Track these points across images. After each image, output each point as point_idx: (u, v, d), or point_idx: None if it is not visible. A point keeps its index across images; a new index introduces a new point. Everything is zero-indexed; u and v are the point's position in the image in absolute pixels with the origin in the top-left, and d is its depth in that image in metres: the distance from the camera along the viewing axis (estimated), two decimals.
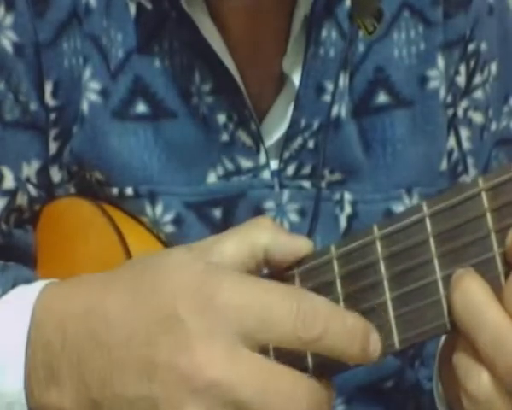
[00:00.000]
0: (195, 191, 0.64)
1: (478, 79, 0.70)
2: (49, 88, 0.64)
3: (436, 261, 0.43)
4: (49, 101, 0.65)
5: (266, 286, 0.43)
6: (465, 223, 0.42)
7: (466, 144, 0.71)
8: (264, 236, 0.47)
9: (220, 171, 0.65)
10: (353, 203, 0.67)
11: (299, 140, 0.65)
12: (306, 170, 0.66)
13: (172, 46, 0.63)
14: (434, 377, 0.55)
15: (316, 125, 0.65)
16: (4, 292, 0.50)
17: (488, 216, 0.42)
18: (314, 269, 0.47)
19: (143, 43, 0.63)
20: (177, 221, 0.64)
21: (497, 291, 0.41)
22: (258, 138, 0.64)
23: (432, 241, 0.43)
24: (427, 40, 0.67)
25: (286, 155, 0.65)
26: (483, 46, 0.70)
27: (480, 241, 0.42)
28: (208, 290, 0.42)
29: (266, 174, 0.65)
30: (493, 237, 0.41)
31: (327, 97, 0.64)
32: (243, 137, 0.64)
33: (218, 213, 0.64)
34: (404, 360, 0.72)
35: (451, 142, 0.71)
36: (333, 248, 0.46)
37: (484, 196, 0.42)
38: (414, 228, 0.44)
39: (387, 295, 0.44)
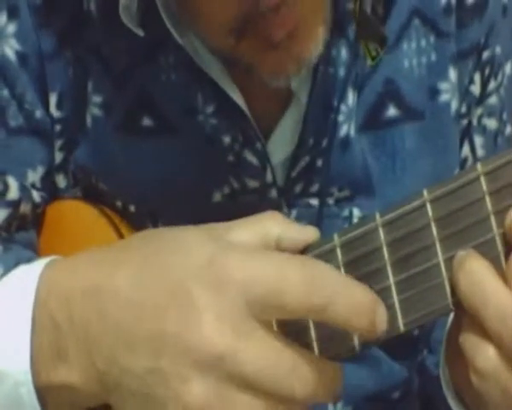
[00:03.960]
0: (200, 211, 0.64)
1: (492, 84, 0.69)
2: (53, 100, 0.65)
3: (438, 245, 0.44)
4: (54, 112, 0.65)
5: (275, 256, 0.44)
6: (465, 206, 0.43)
7: (480, 151, 0.70)
8: (275, 226, 0.48)
9: (226, 190, 0.64)
10: (362, 219, 0.66)
11: (306, 159, 0.65)
12: (314, 188, 0.65)
13: (177, 61, 0.63)
14: (441, 362, 0.56)
15: (324, 143, 0.64)
16: (7, 272, 0.50)
17: (487, 199, 0.43)
18: (318, 258, 0.48)
19: (149, 52, 0.63)
20: None
21: (498, 270, 0.42)
22: (264, 158, 0.64)
23: (433, 225, 0.44)
24: (439, 51, 0.66)
25: (293, 173, 0.65)
26: (497, 50, 0.69)
27: (479, 223, 0.43)
28: (218, 265, 0.42)
29: (273, 193, 0.65)
30: (492, 218, 0.43)
31: (335, 116, 0.64)
32: (249, 156, 0.64)
33: None
34: (411, 369, 0.73)
35: (466, 150, 0.70)
36: (336, 237, 0.48)
37: (482, 179, 0.43)
38: (415, 213, 0.45)
39: (391, 279, 0.45)
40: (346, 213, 0.66)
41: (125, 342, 0.43)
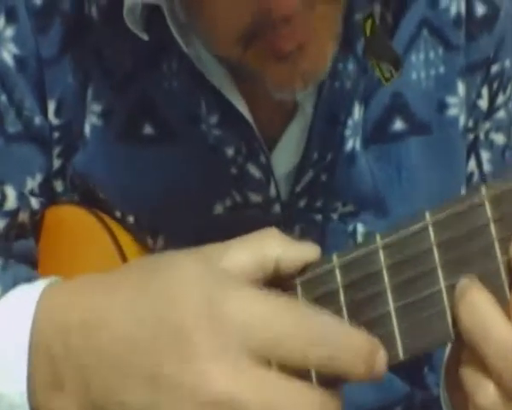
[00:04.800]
0: (201, 223, 0.63)
1: (500, 98, 0.68)
2: (52, 107, 0.63)
3: (440, 271, 0.43)
4: (52, 119, 0.64)
5: (275, 302, 0.42)
6: (468, 232, 0.42)
7: (487, 167, 0.69)
8: (275, 247, 0.46)
9: (228, 202, 0.63)
10: (366, 235, 0.65)
11: (310, 173, 0.63)
12: (318, 203, 0.64)
13: (180, 68, 0.61)
14: (441, 385, 0.54)
15: (329, 158, 0.63)
16: (5, 291, 0.49)
17: (491, 225, 0.41)
18: (316, 279, 0.46)
19: (152, 58, 0.61)
20: None
21: (501, 300, 0.41)
22: (268, 171, 0.62)
23: (435, 250, 0.43)
24: (448, 64, 0.64)
25: (297, 188, 0.63)
26: (507, 63, 0.67)
27: (483, 250, 0.42)
28: (216, 305, 0.42)
29: (276, 208, 0.63)
30: (497, 246, 0.41)
31: (341, 130, 0.62)
32: (252, 169, 0.62)
33: None
34: (413, 384, 0.71)
35: (472, 165, 0.69)
36: (335, 258, 0.46)
37: (487, 204, 0.42)
38: (417, 237, 0.43)
39: (391, 304, 0.44)
40: (350, 228, 0.65)
41: (120, 377, 0.42)
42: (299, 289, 0.47)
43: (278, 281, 0.47)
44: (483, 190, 0.42)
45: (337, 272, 0.46)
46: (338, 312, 0.45)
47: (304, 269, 0.47)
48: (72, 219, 0.66)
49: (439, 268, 0.43)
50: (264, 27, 0.50)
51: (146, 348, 0.42)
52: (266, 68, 0.53)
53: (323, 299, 0.46)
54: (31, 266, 0.65)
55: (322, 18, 0.52)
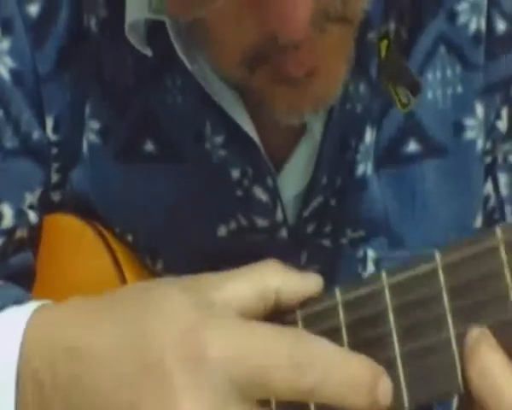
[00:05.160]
0: (203, 245, 0.61)
1: None
2: (50, 123, 0.61)
3: (449, 317, 0.40)
4: (50, 135, 0.62)
5: (259, 332, 0.40)
6: (481, 278, 0.39)
7: (504, 191, 0.65)
8: (276, 278, 0.45)
9: (232, 225, 0.60)
10: (377, 261, 0.62)
11: (319, 198, 0.60)
12: (327, 228, 0.61)
13: (185, 85, 0.59)
14: None
15: (338, 183, 0.60)
16: None
17: (506, 272, 0.38)
18: (318, 314, 0.44)
19: (155, 73, 0.59)
20: None
21: None
22: (274, 194, 0.60)
23: (445, 294, 0.40)
24: (465, 84, 0.61)
25: (305, 213, 0.61)
26: None
27: (497, 299, 0.39)
28: (197, 343, 0.40)
29: (283, 233, 0.61)
30: None
31: (351, 155, 0.60)
32: (259, 193, 0.59)
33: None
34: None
35: (489, 188, 0.65)
36: (338, 294, 0.44)
37: (502, 249, 0.39)
38: (425, 279, 0.41)
39: (397, 349, 0.41)
40: (360, 254, 0.62)
41: None
42: (300, 324, 0.45)
43: (279, 316, 0.45)
44: (498, 232, 0.39)
45: (340, 309, 0.44)
46: None
47: (305, 303, 0.45)
48: (69, 230, 0.64)
49: (448, 315, 0.40)
50: (270, 51, 0.47)
51: (126, 385, 0.40)
52: (273, 92, 0.50)
53: (325, 336, 0.43)
54: (28, 277, 0.64)
55: (334, 40, 0.49)
